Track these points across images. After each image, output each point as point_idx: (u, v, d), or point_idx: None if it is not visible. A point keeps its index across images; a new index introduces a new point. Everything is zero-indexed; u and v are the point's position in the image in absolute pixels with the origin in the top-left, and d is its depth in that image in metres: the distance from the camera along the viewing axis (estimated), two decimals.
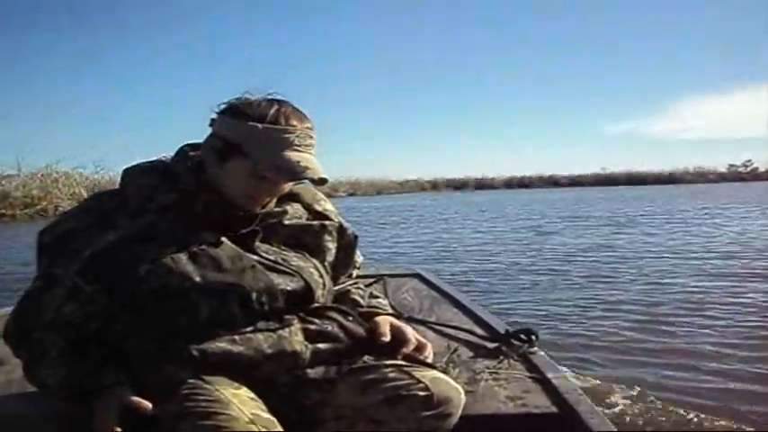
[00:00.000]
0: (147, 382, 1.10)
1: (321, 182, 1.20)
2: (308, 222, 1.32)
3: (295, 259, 1.26)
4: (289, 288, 1.20)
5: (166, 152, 1.30)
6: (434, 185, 51.49)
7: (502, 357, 1.67)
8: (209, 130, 1.24)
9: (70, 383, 1.11)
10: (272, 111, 1.19)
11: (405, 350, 1.28)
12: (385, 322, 1.33)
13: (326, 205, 1.38)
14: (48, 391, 1.16)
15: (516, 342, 1.73)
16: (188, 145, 1.29)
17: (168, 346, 1.12)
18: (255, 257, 1.20)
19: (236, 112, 1.21)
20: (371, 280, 2.29)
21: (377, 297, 1.45)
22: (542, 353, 1.70)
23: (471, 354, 1.72)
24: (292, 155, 1.18)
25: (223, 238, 1.20)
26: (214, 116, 1.24)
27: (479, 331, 1.87)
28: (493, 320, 1.98)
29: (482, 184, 52.81)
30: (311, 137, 1.22)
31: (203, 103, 1.25)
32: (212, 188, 1.21)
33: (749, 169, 55.22)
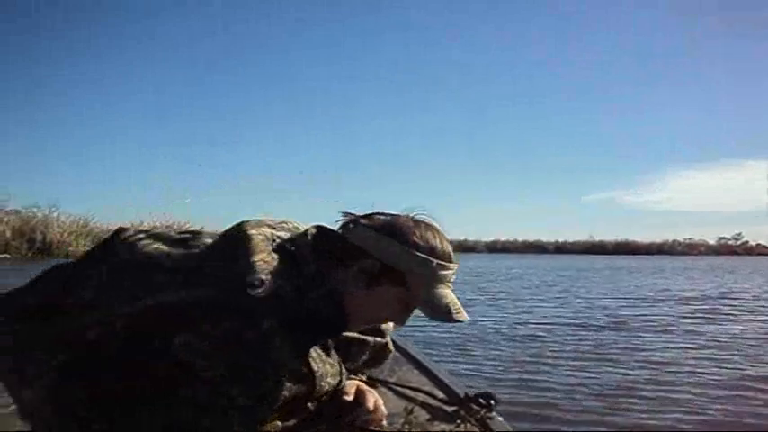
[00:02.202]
0: None
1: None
2: (362, 338, 1.36)
3: (332, 373, 1.24)
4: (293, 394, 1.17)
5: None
6: None
7: (459, 421, 1.71)
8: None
9: None
10: (436, 242, 1.17)
11: (361, 417, 1.31)
12: (352, 385, 1.36)
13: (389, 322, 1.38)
14: None
15: (475, 406, 1.78)
16: (319, 229, 1.23)
17: None
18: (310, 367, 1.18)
19: (397, 235, 1.16)
20: None
21: None
22: (500, 418, 1.74)
23: (429, 416, 1.76)
24: (446, 293, 1.17)
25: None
26: (345, 220, 1.20)
27: (439, 394, 1.91)
28: (454, 383, 2.02)
29: (465, 247, 52.98)
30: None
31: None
32: (335, 301, 1.15)
33: (740, 242, 56.21)
